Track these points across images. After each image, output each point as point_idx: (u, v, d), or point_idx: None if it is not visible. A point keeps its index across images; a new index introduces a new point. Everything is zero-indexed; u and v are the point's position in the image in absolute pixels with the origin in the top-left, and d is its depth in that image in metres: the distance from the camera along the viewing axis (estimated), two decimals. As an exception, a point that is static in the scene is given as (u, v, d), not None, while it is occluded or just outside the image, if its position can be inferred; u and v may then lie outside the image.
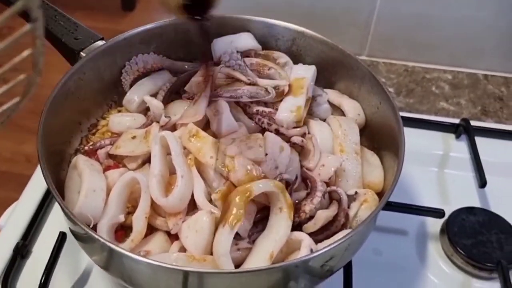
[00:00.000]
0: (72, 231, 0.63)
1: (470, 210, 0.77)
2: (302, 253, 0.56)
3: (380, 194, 0.67)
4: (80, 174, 0.64)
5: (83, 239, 0.61)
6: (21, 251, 0.72)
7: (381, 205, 0.59)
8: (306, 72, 0.75)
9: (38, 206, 0.77)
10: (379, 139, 0.73)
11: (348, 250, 0.59)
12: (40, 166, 0.59)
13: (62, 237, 0.70)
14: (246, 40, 0.78)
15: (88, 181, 0.62)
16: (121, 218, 0.63)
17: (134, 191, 0.64)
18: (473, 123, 0.90)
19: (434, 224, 0.78)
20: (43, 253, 0.71)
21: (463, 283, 0.72)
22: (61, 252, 0.69)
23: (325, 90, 0.77)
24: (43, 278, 0.66)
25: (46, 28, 0.74)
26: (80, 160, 0.66)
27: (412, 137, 0.90)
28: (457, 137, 0.91)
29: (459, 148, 0.89)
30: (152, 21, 0.78)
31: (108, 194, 0.63)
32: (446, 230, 0.75)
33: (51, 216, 0.78)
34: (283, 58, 0.78)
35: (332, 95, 0.78)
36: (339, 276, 0.67)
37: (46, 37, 0.75)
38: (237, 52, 0.74)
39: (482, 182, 0.81)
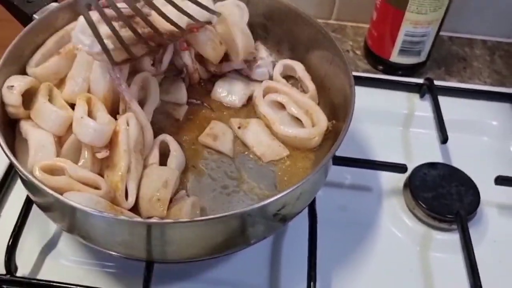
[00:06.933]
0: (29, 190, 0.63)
1: (432, 165, 0.79)
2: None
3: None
4: (26, 135, 0.64)
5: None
6: (-12, 216, 0.72)
7: (332, 151, 0.60)
8: None
9: (5, 171, 0.77)
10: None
11: (300, 199, 0.61)
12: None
13: (29, 200, 0.70)
14: None
15: (34, 138, 0.62)
16: None
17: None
18: (437, 82, 0.92)
19: (398, 180, 0.79)
20: (11, 218, 0.70)
21: (424, 235, 0.75)
22: (29, 214, 0.69)
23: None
24: (10, 241, 0.66)
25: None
26: (23, 123, 0.65)
27: (378, 97, 0.92)
28: (421, 96, 0.92)
29: (423, 107, 0.91)
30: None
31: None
32: (408, 184, 0.77)
33: (18, 181, 0.77)
34: None
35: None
36: (304, 231, 0.69)
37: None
38: None
39: (443, 138, 0.83)
